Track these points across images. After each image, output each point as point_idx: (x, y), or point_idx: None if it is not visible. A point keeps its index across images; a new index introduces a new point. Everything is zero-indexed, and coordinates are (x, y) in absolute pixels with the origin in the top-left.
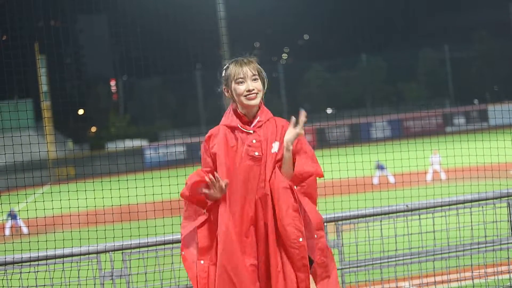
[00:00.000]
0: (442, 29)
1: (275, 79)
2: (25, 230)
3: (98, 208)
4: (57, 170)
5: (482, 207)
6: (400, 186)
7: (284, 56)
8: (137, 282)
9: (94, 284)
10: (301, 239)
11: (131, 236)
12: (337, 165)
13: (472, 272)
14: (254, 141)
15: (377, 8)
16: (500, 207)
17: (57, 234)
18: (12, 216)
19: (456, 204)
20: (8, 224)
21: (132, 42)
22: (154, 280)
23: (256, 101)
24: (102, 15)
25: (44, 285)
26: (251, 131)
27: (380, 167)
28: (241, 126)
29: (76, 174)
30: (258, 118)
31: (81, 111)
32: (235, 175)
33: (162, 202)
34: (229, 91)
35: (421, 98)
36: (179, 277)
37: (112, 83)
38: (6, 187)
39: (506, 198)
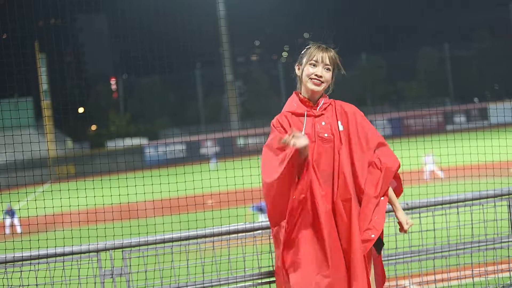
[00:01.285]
0: (442, 27)
1: (275, 77)
2: (18, 229)
3: (98, 206)
4: (57, 169)
5: (482, 205)
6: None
7: (284, 54)
8: (137, 280)
9: (95, 283)
10: (373, 235)
11: (131, 234)
12: None
13: (472, 270)
14: (323, 123)
15: (377, 7)
16: (501, 205)
17: (57, 232)
18: (10, 213)
19: (457, 202)
20: (8, 222)
21: (132, 40)
22: (154, 278)
23: (319, 88)
24: (102, 13)
25: (45, 284)
26: (319, 114)
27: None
28: (308, 112)
29: (76, 173)
30: (323, 101)
31: (81, 110)
32: (318, 156)
33: (162, 200)
34: (300, 69)
35: (422, 97)
36: (179, 275)
37: (112, 81)
38: (6, 185)
39: (507, 197)
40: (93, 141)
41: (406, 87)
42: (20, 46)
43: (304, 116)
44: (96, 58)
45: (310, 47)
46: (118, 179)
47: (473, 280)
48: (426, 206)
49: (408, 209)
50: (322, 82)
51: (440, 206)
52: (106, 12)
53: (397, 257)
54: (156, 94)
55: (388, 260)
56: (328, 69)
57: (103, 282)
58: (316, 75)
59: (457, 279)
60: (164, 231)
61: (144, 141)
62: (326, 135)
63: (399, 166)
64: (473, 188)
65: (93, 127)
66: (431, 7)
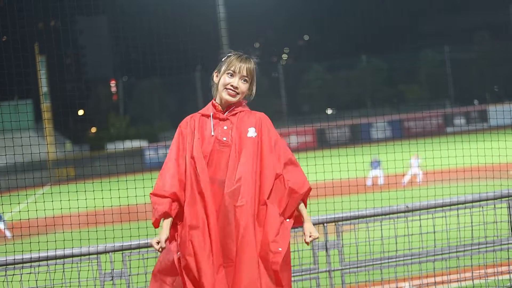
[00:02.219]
0: (443, 30)
1: (275, 79)
2: (7, 233)
3: (98, 208)
4: (57, 171)
5: (482, 207)
6: (401, 186)
7: (284, 56)
8: (137, 282)
9: (94, 285)
10: (280, 249)
11: (131, 236)
12: (338, 166)
13: (472, 272)
14: (225, 127)
15: (378, 9)
16: (501, 207)
17: (57, 234)
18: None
19: (456, 204)
20: (1, 225)
21: (132, 43)
22: None
23: (233, 99)
24: (102, 16)
25: (45, 286)
26: (224, 118)
27: (374, 164)
28: (213, 114)
29: (76, 175)
30: (233, 107)
31: (81, 112)
32: (208, 157)
33: None
34: (217, 77)
35: (422, 99)
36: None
37: (112, 84)
38: (6, 187)
39: (507, 199)
40: (93, 144)
41: (406, 89)
42: (20, 49)
43: (210, 117)
44: (96, 61)
45: (230, 56)
46: (118, 181)
47: (473, 282)
48: (426, 209)
49: (408, 211)
50: (237, 94)
51: (440, 208)
52: (106, 14)
53: (397, 259)
54: (156, 97)
55: (388, 262)
56: (245, 80)
57: (103, 285)
58: (232, 85)
59: (457, 281)
60: None
61: (144, 143)
62: (224, 139)
63: (308, 191)
64: (473, 190)
65: (93, 130)
66: (431, 9)
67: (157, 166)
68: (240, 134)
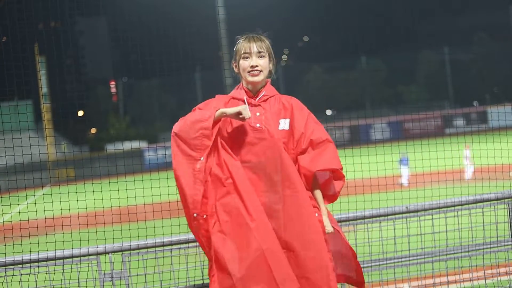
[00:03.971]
0: (442, 31)
1: (275, 80)
2: None
3: (97, 209)
4: (57, 172)
5: (482, 208)
6: (399, 187)
7: (284, 57)
8: (136, 283)
9: (94, 286)
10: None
11: (130, 237)
12: None
13: (471, 273)
14: (258, 114)
15: (377, 10)
16: (501, 208)
17: (57, 235)
18: None
19: (455, 206)
20: None
21: (131, 43)
22: (153, 282)
23: (259, 78)
24: (102, 17)
25: (45, 287)
26: (256, 104)
27: (403, 162)
28: (246, 99)
29: (76, 176)
30: (263, 93)
31: (80, 113)
32: (237, 141)
33: (161, 203)
34: (237, 66)
35: (421, 100)
36: (178, 278)
37: (112, 84)
38: (6, 188)
39: (508, 200)
40: (93, 144)
41: (405, 90)
42: (20, 49)
43: (244, 102)
44: (96, 61)
45: (238, 43)
46: (117, 182)
47: (472, 283)
48: (425, 210)
49: (407, 212)
50: (260, 71)
51: (439, 210)
52: (106, 15)
53: (396, 260)
54: (156, 97)
55: (386, 263)
56: (261, 56)
57: (103, 286)
58: (251, 66)
59: (457, 282)
60: (163, 234)
61: (143, 144)
62: (258, 125)
63: (339, 169)
64: (472, 191)
65: (93, 130)
66: (431, 10)
67: (157, 166)
68: (272, 124)
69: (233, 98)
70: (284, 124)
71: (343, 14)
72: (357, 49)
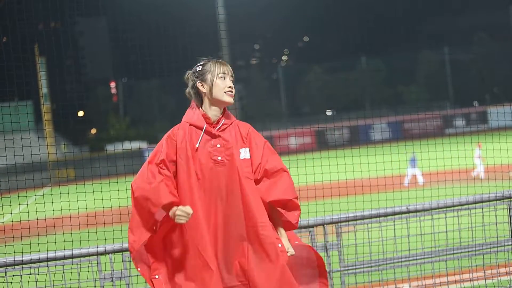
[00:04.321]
0: (442, 31)
1: (275, 81)
2: None
3: (97, 209)
4: (57, 172)
5: (482, 208)
6: (398, 187)
7: (284, 58)
8: (137, 283)
9: (94, 286)
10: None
11: None
12: (337, 167)
13: (471, 274)
14: (218, 145)
15: (377, 10)
16: (501, 208)
17: (57, 235)
18: None
19: (456, 206)
20: None
21: (131, 44)
22: None
23: (232, 100)
24: (102, 17)
25: (45, 287)
26: (216, 134)
27: (412, 162)
28: (206, 128)
29: (76, 176)
30: (223, 121)
31: (81, 113)
32: (202, 175)
33: None
34: (205, 86)
35: (421, 100)
36: None
37: (112, 85)
38: (6, 188)
39: (507, 200)
40: (93, 145)
41: (405, 91)
42: (20, 50)
43: (202, 129)
44: (96, 62)
45: (207, 63)
46: (117, 182)
47: (472, 283)
48: (426, 210)
49: (407, 212)
50: (233, 93)
51: (440, 210)
52: (106, 15)
53: (396, 260)
54: (156, 98)
55: (386, 264)
56: (232, 80)
57: (103, 286)
58: (230, 87)
59: (457, 282)
60: None
61: (143, 144)
62: (219, 158)
63: (293, 199)
64: (472, 192)
65: (93, 131)
66: (431, 10)
67: None
68: (233, 155)
69: (191, 125)
70: (244, 153)
71: (343, 14)
72: (357, 49)
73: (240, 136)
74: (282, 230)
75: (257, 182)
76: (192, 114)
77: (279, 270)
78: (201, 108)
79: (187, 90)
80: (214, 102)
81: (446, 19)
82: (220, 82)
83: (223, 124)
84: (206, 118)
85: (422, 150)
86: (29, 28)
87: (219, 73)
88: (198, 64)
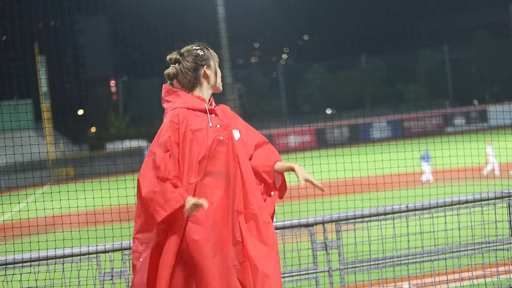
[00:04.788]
0: (442, 30)
1: (275, 79)
2: None
3: (97, 208)
4: (56, 171)
5: (482, 207)
6: (398, 186)
7: (284, 56)
8: None
9: (94, 284)
10: None
11: (130, 236)
12: (336, 165)
13: (471, 272)
14: (218, 125)
15: (377, 9)
16: (501, 207)
17: (57, 234)
18: None
19: (456, 204)
20: None
21: (131, 42)
22: None
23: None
24: (102, 16)
25: (45, 286)
26: (216, 114)
27: (425, 158)
28: (208, 109)
29: (76, 175)
30: (214, 104)
31: (80, 112)
32: (211, 158)
33: None
34: (209, 72)
35: (421, 99)
36: None
37: (112, 83)
38: (6, 187)
39: (507, 199)
40: (93, 143)
41: (405, 89)
42: (20, 49)
43: (202, 111)
44: (96, 60)
45: (204, 49)
46: (117, 181)
47: (472, 282)
48: (425, 208)
49: (407, 211)
50: None
51: (440, 208)
52: (106, 14)
53: (396, 259)
54: (156, 96)
55: (385, 262)
56: None
57: (103, 284)
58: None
59: (457, 281)
60: None
61: (143, 143)
62: (221, 138)
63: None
64: (472, 190)
65: (93, 129)
66: (431, 9)
67: None
68: (231, 134)
69: (189, 109)
70: (236, 134)
71: (343, 12)
72: (357, 48)
73: (226, 117)
74: (292, 164)
75: (250, 157)
76: (186, 98)
77: (274, 252)
78: (193, 92)
79: (176, 70)
80: (212, 88)
81: (446, 18)
82: (220, 70)
83: (215, 106)
84: (202, 100)
85: (429, 148)
86: (29, 26)
87: (218, 62)
88: (195, 48)
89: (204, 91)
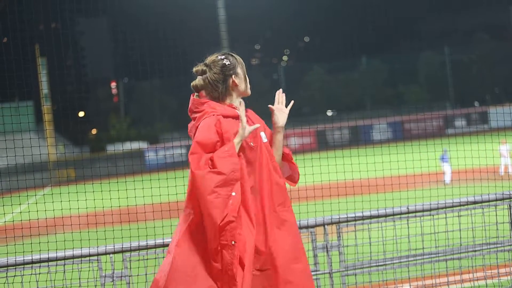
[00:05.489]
0: (443, 31)
1: (275, 81)
2: None
3: (98, 210)
4: (57, 172)
5: (483, 209)
6: (398, 188)
7: (285, 58)
8: (137, 283)
9: (95, 286)
10: None
11: (131, 237)
12: (337, 167)
13: (472, 274)
14: None
15: (378, 10)
16: (502, 209)
17: (58, 236)
18: None
19: (457, 206)
20: None
21: (132, 44)
22: None
23: None
24: (103, 17)
25: (46, 287)
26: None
27: (445, 158)
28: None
29: (77, 176)
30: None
31: (81, 114)
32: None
33: (162, 204)
34: (238, 80)
35: (422, 101)
36: None
37: (113, 85)
38: (7, 188)
39: (508, 200)
40: (93, 145)
41: (406, 91)
42: (21, 51)
43: (237, 117)
44: (97, 62)
45: (230, 57)
46: (117, 182)
47: (473, 284)
48: (427, 210)
49: (408, 212)
50: None
51: (441, 210)
52: (107, 16)
53: (397, 261)
54: (156, 98)
55: (385, 264)
56: None
57: (104, 286)
58: None
59: (458, 283)
60: (163, 235)
61: (144, 145)
62: (252, 143)
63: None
64: (472, 192)
65: (94, 131)
66: (432, 10)
67: (157, 167)
68: (261, 138)
69: (224, 116)
70: (264, 136)
71: (343, 14)
72: (357, 49)
73: (252, 121)
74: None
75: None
76: (218, 107)
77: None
78: (225, 101)
79: (204, 83)
80: (241, 94)
81: (447, 19)
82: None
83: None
84: (234, 108)
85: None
86: (30, 28)
87: (244, 65)
88: (221, 58)
89: (234, 99)
